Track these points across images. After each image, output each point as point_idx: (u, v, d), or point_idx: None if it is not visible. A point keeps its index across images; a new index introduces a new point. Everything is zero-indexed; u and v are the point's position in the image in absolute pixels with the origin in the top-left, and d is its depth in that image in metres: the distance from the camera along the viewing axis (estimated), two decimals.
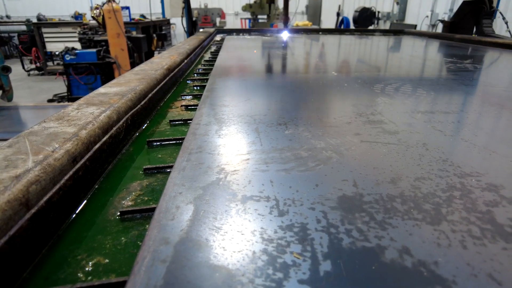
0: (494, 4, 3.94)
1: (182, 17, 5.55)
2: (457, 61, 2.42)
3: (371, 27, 8.89)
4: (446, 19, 7.19)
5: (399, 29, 5.36)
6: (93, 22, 6.97)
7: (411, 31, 5.13)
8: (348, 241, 0.52)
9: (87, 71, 6.37)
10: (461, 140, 0.94)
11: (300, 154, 0.81)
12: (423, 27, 7.93)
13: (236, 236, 0.52)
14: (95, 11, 6.18)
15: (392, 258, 0.48)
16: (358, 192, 0.65)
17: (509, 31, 4.14)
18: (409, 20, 8.86)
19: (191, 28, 5.46)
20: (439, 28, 7.54)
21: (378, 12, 9.55)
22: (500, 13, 4.20)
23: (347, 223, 0.56)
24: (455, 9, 7.12)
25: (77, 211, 0.69)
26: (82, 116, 0.89)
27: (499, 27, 5.03)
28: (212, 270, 0.45)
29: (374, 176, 0.71)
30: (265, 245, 0.50)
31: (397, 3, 9.04)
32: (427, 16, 7.80)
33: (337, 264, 0.47)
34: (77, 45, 7.10)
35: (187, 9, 5.39)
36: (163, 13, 9.64)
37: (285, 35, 4.70)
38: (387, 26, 9.42)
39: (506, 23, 4.08)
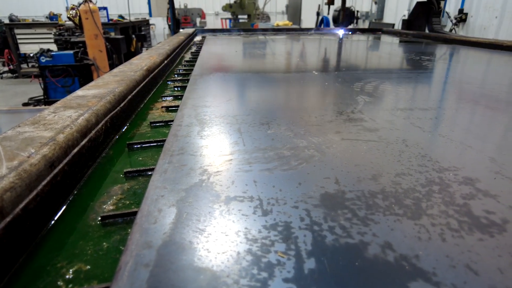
0: (442, 5, 4.46)
1: (167, 16, 5.69)
2: (431, 58, 2.48)
3: (350, 26, 9.01)
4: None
5: (378, 28, 5.46)
6: (70, 23, 6.79)
7: (389, 30, 5.24)
8: (331, 238, 0.52)
9: (64, 73, 6.20)
10: (439, 135, 0.97)
11: (283, 153, 0.82)
12: (401, 26, 8.10)
13: (220, 238, 0.52)
14: (71, 12, 6.02)
15: (375, 254, 0.49)
16: (340, 190, 0.66)
17: (454, 29, 4.86)
18: (387, 19, 9.04)
19: (176, 26, 5.53)
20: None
21: (357, 11, 9.70)
22: (447, 12, 4.74)
23: (330, 220, 0.56)
24: None
25: (56, 218, 0.67)
26: (59, 119, 0.87)
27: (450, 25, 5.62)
28: (197, 273, 0.45)
29: (356, 173, 0.72)
30: (249, 245, 0.50)
31: (375, 3, 9.21)
32: (404, 15, 7.97)
33: (321, 262, 0.47)
34: (53, 47, 6.90)
35: (172, 8, 5.45)
36: (150, 13, 9.61)
37: (266, 34, 4.71)
38: (366, 25, 9.58)
39: (452, 21, 4.75)
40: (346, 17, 8.63)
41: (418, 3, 4.48)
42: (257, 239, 0.52)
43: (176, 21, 5.63)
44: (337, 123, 1.04)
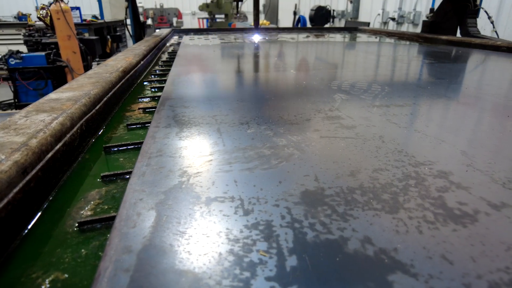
0: (478, 2, 3.56)
1: (125, 18, 4.48)
2: (404, 56, 2.55)
3: (327, 25, 9.14)
4: (396, 17, 7.57)
5: (354, 27, 5.56)
6: (40, 23, 6.55)
7: (364, 28, 5.35)
8: (312, 235, 0.53)
9: (36, 76, 5.98)
10: (414, 131, 0.99)
11: (263, 153, 0.82)
12: (376, 24, 8.29)
13: (202, 239, 0.51)
14: (41, 12, 5.81)
15: (355, 248, 0.50)
16: (320, 186, 0.67)
17: (495, 32, 3.72)
18: (362, 17, 9.22)
19: (138, 31, 4.47)
20: (390, 25, 7.93)
21: (333, 10, 9.85)
22: (485, 11, 3.70)
23: (310, 217, 0.57)
24: (403, 7, 7.52)
25: (29, 226, 0.65)
26: (31, 124, 0.84)
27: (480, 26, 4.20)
28: (178, 276, 0.44)
29: (334, 170, 0.74)
30: (231, 245, 0.50)
31: (351, 2, 9.37)
32: (379, 14, 8.16)
33: (303, 258, 0.48)
34: (23, 48, 6.64)
35: (132, 9, 4.30)
36: (101, 14, 8.49)
37: (243, 34, 4.70)
38: (342, 24, 9.74)
39: (492, 22, 3.65)
40: (322, 16, 8.75)
41: (445, 0, 3.64)
42: (238, 239, 0.52)
43: (139, 25, 4.49)
44: (315, 121, 1.05)
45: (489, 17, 3.62)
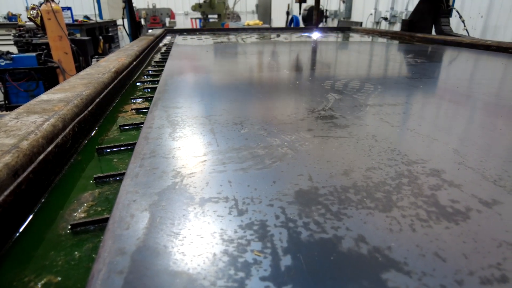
0: (451, 2, 3.89)
1: (123, 18, 4.82)
2: (396, 55, 2.57)
3: (320, 25, 9.16)
4: (388, 17, 7.62)
5: (346, 27, 5.59)
6: (30, 23, 6.47)
7: (357, 28, 5.37)
8: (306, 234, 0.53)
9: (27, 77, 5.91)
10: (407, 130, 1.00)
11: (257, 153, 0.82)
12: (368, 24, 8.34)
13: (196, 240, 0.51)
14: (31, 12, 5.74)
15: (349, 247, 0.50)
16: (314, 186, 0.67)
17: (466, 30, 4.06)
18: (355, 17, 9.27)
19: (135, 30, 4.72)
20: (383, 25, 7.98)
21: (326, 10, 9.89)
22: (457, 11, 4.07)
23: (304, 216, 0.57)
24: (395, 7, 7.58)
25: (21, 229, 0.64)
26: (22, 125, 0.83)
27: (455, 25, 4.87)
28: (173, 277, 0.44)
29: (328, 169, 0.74)
30: (225, 246, 0.50)
31: (343, 2, 9.41)
32: (371, 14, 8.21)
33: (297, 258, 0.48)
34: (13, 49, 6.55)
35: (129, 9, 4.61)
36: (100, 14, 8.65)
37: (235, 33, 4.70)
38: (335, 23, 9.78)
39: (463, 21, 3.97)
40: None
41: (421, 1, 3.94)
42: (233, 239, 0.52)
43: (135, 24, 4.76)
44: (308, 121, 1.05)
45: (461, 17, 3.99)
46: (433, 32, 3.89)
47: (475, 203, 0.62)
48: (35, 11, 5.66)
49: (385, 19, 7.74)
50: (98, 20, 8.31)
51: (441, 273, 0.45)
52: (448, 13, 3.77)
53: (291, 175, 0.71)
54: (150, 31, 4.73)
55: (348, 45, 3.56)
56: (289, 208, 0.60)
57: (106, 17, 8.52)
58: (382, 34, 4.49)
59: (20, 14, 11.31)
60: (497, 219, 0.58)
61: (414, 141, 0.92)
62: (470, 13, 5.86)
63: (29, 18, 5.95)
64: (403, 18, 7.16)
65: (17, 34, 6.75)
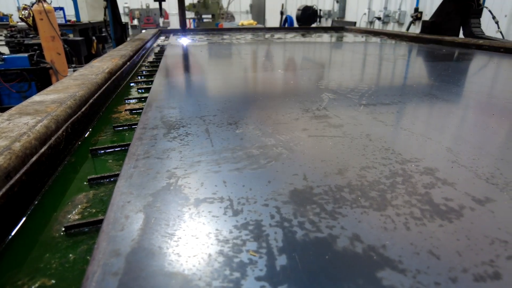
0: (481, 1, 3.38)
1: (104, 19, 3.96)
2: (391, 55, 2.58)
3: (314, 25, 9.19)
4: (381, 16, 7.66)
5: (340, 26, 5.61)
6: (22, 24, 6.41)
7: (351, 28, 5.40)
8: (301, 233, 0.53)
9: (19, 77, 5.85)
10: (401, 129, 1.01)
11: (252, 153, 0.82)
12: (362, 23, 8.37)
13: (191, 241, 0.51)
14: (23, 12, 5.68)
15: (344, 246, 0.50)
16: (308, 185, 0.67)
17: (500, 32, 3.58)
18: (348, 17, 9.30)
19: (120, 33, 3.92)
20: (376, 25, 8.02)
21: (320, 10, 9.91)
22: (489, 10, 3.57)
23: (299, 216, 0.57)
24: (389, 7, 7.62)
25: (14, 232, 0.63)
26: (14, 127, 0.82)
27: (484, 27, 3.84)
28: (168, 278, 0.44)
29: (322, 169, 0.74)
30: (221, 246, 0.50)
31: (337, 2, 9.44)
32: (365, 14, 8.25)
33: (293, 257, 0.48)
34: (5, 49, 6.48)
35: (112, 9, 3.74)
36: (77, 15, 7.57)
37: (232, 33, 4.69)
38: (329, 23, 9.81)
39: (497, 22, 3.54)
40: (309, 16, 8.79)
41: (447, 0, 3.47)
42: (228, 239, 0.51)
43: (121, 26, 3.94)
44: (303, 121, 1.05)
45: (494, 17, 3.50)
46: (461, 35, 3.42)
47: (468, 201, 0.63)
48: (26, 11, 5.60)
49: (379, 18, 7.78)
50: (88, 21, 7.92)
51: (435, 271, 0.46)
52: (479, 13, 3.29)
53: (286, 174, 0.71)
54: (143, 31, 4.70)
55: (343, 46, 3.58)
56: (284, 207, 0.60)
57: (85, 18, 7.87)
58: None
59: (12, 14, 11.19)
60: (490, 217, 0.58)
61: (408, 140, 0.92)
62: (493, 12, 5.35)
63: (20, 18, 5.89)
64: (396, 18, 7.22)
65: (8, 35, 6.68)
